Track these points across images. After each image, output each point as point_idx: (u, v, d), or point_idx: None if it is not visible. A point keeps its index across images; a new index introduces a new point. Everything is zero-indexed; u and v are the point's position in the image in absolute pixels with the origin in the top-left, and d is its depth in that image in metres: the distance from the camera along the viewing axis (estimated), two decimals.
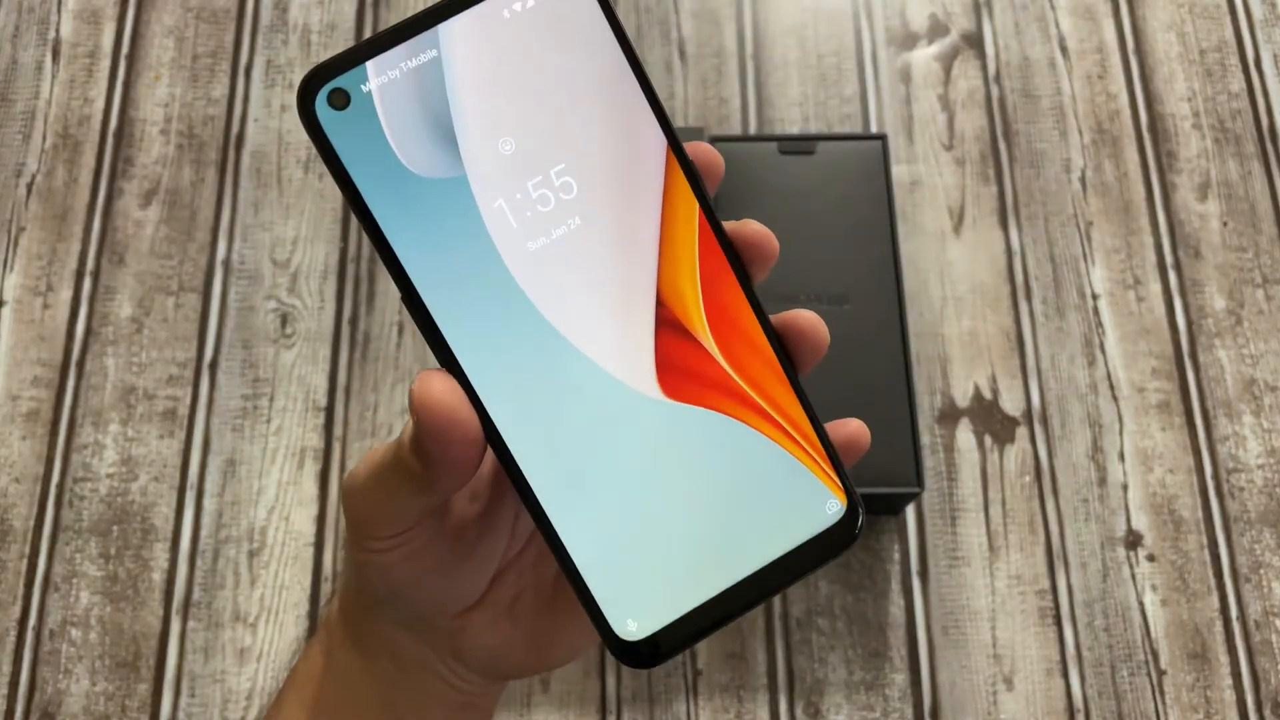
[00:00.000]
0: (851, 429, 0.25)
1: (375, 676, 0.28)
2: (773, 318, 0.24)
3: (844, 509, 0.24)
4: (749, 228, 0.24)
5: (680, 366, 0.23)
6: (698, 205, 0.24)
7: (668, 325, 0.23)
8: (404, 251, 0.22)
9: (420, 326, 0.23)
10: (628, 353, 0.23)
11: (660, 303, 0.23)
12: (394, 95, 0.22)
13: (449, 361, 0.23)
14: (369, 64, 0.22)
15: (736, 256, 0.24)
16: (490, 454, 0.24)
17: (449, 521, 0.25)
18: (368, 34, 0.72)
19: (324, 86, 0.22)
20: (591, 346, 0.23)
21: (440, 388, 0.21)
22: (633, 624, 0.23)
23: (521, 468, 0.23)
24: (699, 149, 0.24)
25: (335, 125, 0.22)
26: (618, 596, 0.23)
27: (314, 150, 0.69)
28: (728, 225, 0.24)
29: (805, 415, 0.24)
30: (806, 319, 0.24)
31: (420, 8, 0.73)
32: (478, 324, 0.23)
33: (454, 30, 0.22)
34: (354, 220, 0.67)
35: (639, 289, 0.23)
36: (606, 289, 0.23)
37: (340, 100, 0.22)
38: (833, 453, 0.24)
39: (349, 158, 0.22)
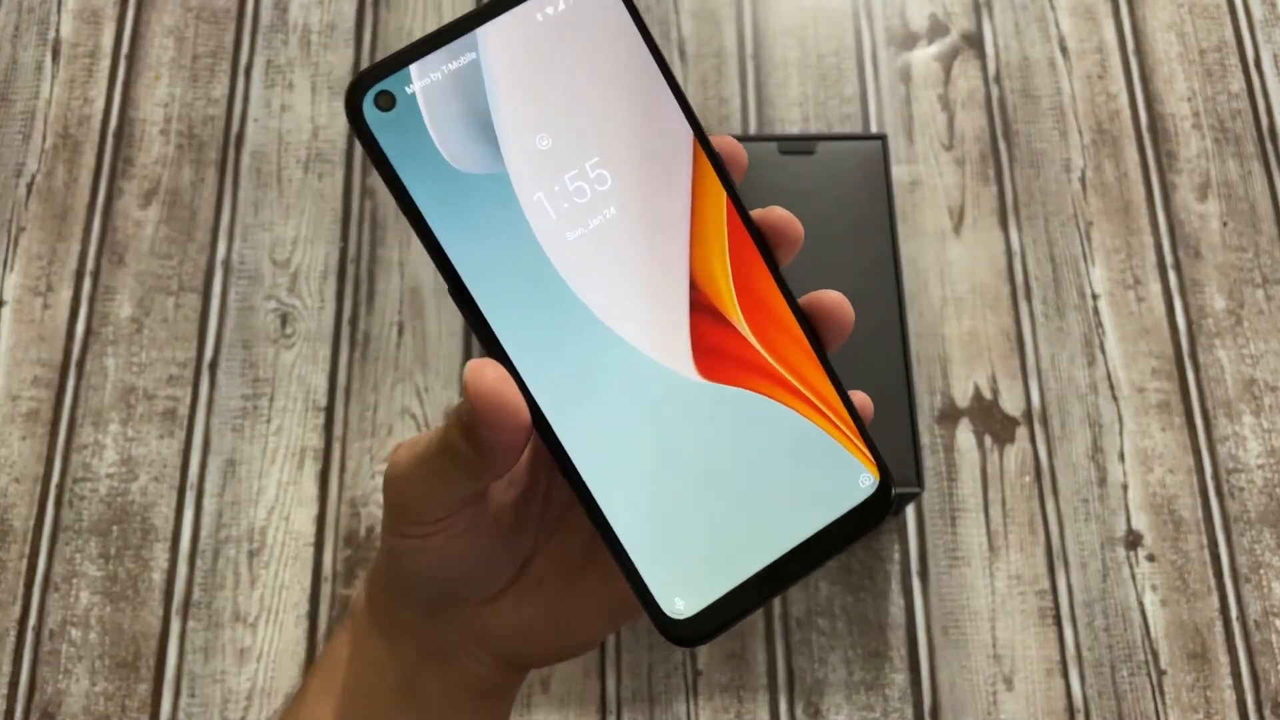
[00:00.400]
0: (858, 399, 0.26)
1: (400, 663, 0.28)
2: (799, 299, 0.25)
3: (877, 482, 0.25)
4: (775, 214, 0.25)
5: (715, 348, 0.24)
6: (725, 194, 0.25)
7: (701, 309, 0.24)
8: (450, 244, 0.23)
9: (467, 316, 0.24)
10: (665, 336, 0.24)
11: (694, 287, 0.24)
12: (437, 96, 0.23)
13: (495, 350, 0.24)
14: (412, 67, 0.23)
15: (763, 241, 0.25)
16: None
17: (489, 507, 0.26)
18: (367, 34, 0.72)
19: (371, 89, 0.23)
20: (630, 331, 0.24)
21: (493, 376, 0.22)
22: (680, 602, 0.24)
23: (568, 451, 0.24)
24: (724, 141, 0.25)
25: (382, 126, 0.23)
26: (665, 576, 0.24)
27: (315, 151, 0.69)
28: (754, 212, 0.25)
29: (835, 392, 0.25)
30: (832, 299, 0.25)
31: (418, 8, 0.73)
32: (522, 312, 0.24)
33: (491, 33, 0.23)
34: (354, 220, 0.67)
35: (673, 274, 0.24)
36: (642, 275, 0.24)
37: (386, 102, 0.23)
38: (863, 427, 0.25)
39: (396, 156, 0.23)
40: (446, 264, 0.23)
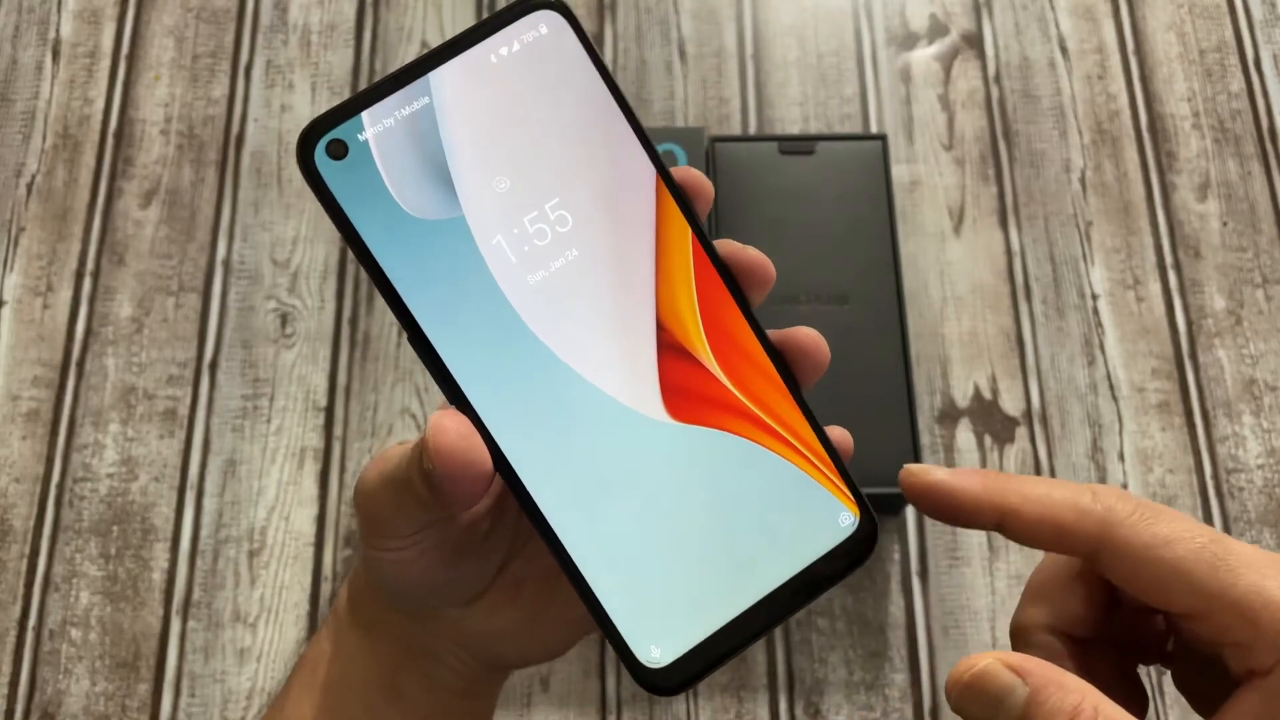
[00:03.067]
0: (836, 435, 0.25)
1: (381, 661, 0.28)
2: (772, 334, 0.25)
3: (857, 520, 0.24)
4: (747, 254, 0.24)
5: (685, 388, 0.24)
6: (690, 230, 0.24)
7: (670, 348, 0.24)
8: (408, 293, 0.23)
9: (428, 366, 0.23)
10: (632, 378, 0.24)
11: (661, 327, 0.24)
12: (390, 142, 0.23)
13: (458, 398, 0.23)
14: (364, 114, 0.23)
15: (731, 277, 0.24)
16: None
17: (460, 519, 0.26)
18: (368, 34, 0.72)
19: (322, 138, 0.22)
20: (597, 374, 0.23)
21: (453, 433, 0.22)
22: (656, 650, 0.23)
23: (536, 499, 0.23)
24: (687, 174, 0.24)
25: (335, 175, 0.22)
26: (639, 624, 0.23)
27: None
28: (724, 251, 0.25)
29: (811, 430, 0.24)
30: (807, 335, 0.24)
31: (418, 8, 0.73)
32: (484, 360, 0.23)
33: (444, 77, 0.23)
34: None
35: (639, 315, 0.24)
36: (607, 317, 0.24)
37: (338, 150, 0.23)
38: (841, 465, 0.25)
39: (349, 205, 0.22)
40: (405, 313, 0.23)
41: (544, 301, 0.23)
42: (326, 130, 0.22)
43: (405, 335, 0.23)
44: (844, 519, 0.24)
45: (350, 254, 0.65)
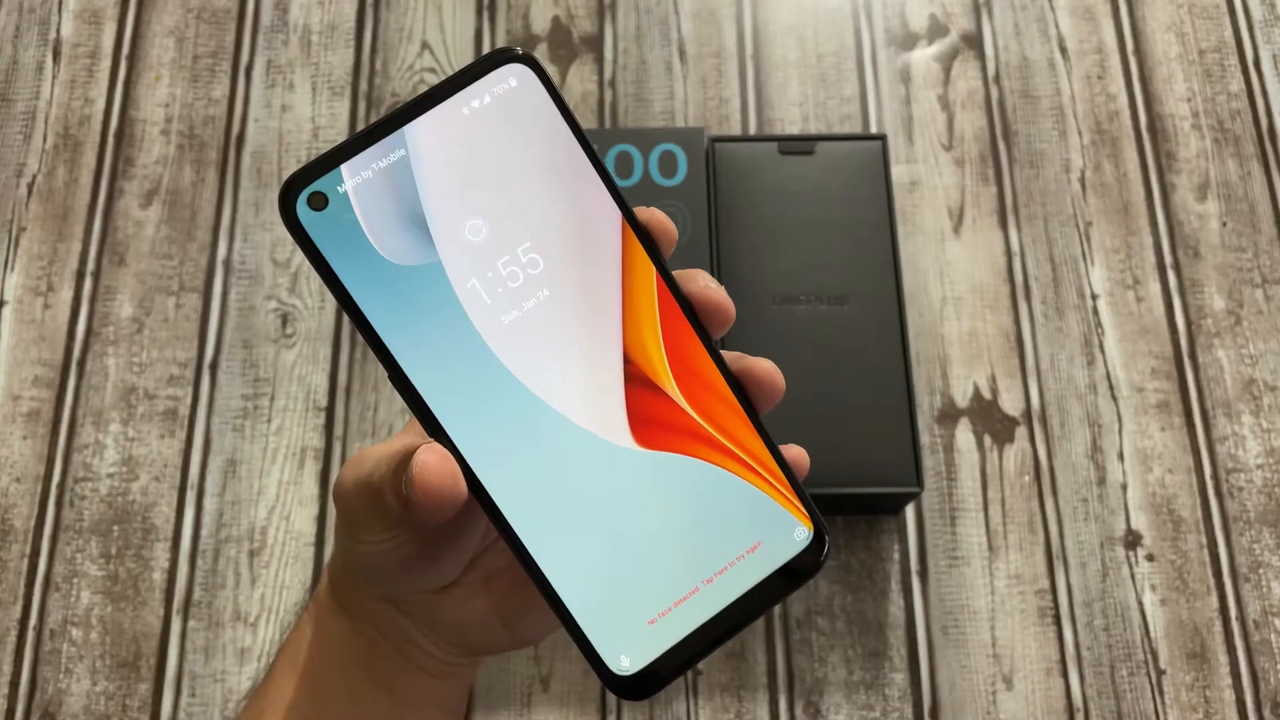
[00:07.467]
0: (793, 454, 0.27)
1: (360, 641, 0.29)
2: (732, 365, 0.26)
3: (811, 535, 0.26)
4: (709, 293, 0.26)
5: (651, 417, 0.26)
6: (654, 269, 0.26)
7: (636, 381, 0.25)
8: (388, 335, 0.24)
9: (409, 403, 0.24)
10: (601, 409, 0.25)
11: (628, 360, 0.25)
12: (368, 193, 0.24)
13: (438, 433, 0.24)
14: (343, 167, 0.24)
15: (693, 312, 0.26)
16: None
17: None
18: (368, 35, 0.72)
19: (303, 190, 0.24)
20: (568, 406, 0.25)
21: (435, 471, 0.23)
22: (625, 660, 0.25)
23: (511, 523, 0.25)
24: (653, 216, 0.26)
25: (316, 225, 0.24)
26: (610, 637, 0.25)
27: (315, 151, 0.69)
28: (689, 288, 0.26)
29: (769, 452, 0.26)
30: (763, 368, 0.26)
31: (418, 8, 0.73)
32: (462, 396, 0.25)
33: (419, 130, 0.24)
34: None
35: (607, 350, 0.25)
36: (577, 352, 0.25)
37: (319, 202, 0.24)
38: (797, 484, 0.26)
39: (331, 254, 0.24)
40: (386, 354, 0.24)
41: (517, 340, 0.25)
42: (307, 183, 0.24)
43: (388, 375, 0.24)
44: (799, 533, 0.26)
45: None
